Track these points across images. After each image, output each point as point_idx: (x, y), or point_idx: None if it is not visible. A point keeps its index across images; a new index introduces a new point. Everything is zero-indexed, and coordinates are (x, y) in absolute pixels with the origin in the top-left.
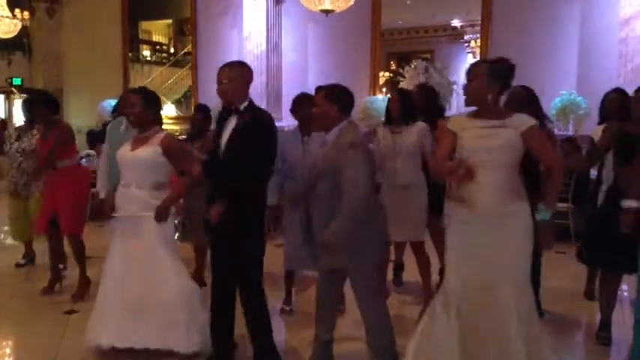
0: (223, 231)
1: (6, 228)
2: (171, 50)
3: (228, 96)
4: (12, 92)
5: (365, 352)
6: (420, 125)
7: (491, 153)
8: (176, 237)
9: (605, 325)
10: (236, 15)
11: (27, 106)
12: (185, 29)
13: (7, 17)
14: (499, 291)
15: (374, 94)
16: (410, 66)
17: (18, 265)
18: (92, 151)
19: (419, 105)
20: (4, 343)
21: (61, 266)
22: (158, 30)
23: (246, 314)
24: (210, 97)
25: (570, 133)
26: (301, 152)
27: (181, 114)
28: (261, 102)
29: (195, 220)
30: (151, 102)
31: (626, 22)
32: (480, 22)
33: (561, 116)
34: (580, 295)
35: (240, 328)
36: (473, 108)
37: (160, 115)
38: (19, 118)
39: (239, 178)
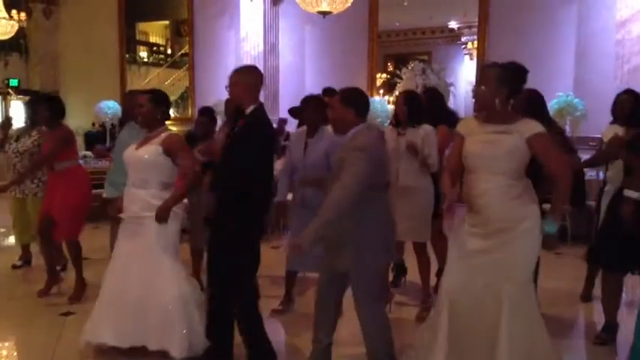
0: (220, 232)
1: (2, 230)
2: (169, 51)
3: (233, 99)
4: (9, 93)
5: (363, 356)
6: (426, 128)
7: (496, 159)
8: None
9: (609, 327)
10: (233, 16)
11: (31, 107)
12: (182, 30)
13: (4, 18)
14: (499, 291)
15: (371, 95)
16: (407, 67)
17: (14, 267)
18: (89, 152)
19: (426, 107)
20: (1, 345)
21: (58, 268)
22: (155, 31)
23: (238, 325)
24: (208, 98)
25: (567, 134)
26: (302, 153)
27: (178, 115)
28: None
29: (195, 221)
30: (160, 101)
31: (622, 24)
32: (477, 23)
33: (558, 118)
34: (576, 296)
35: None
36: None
37: (168, 115)
38: (16, 120)
39: (228, 182)
